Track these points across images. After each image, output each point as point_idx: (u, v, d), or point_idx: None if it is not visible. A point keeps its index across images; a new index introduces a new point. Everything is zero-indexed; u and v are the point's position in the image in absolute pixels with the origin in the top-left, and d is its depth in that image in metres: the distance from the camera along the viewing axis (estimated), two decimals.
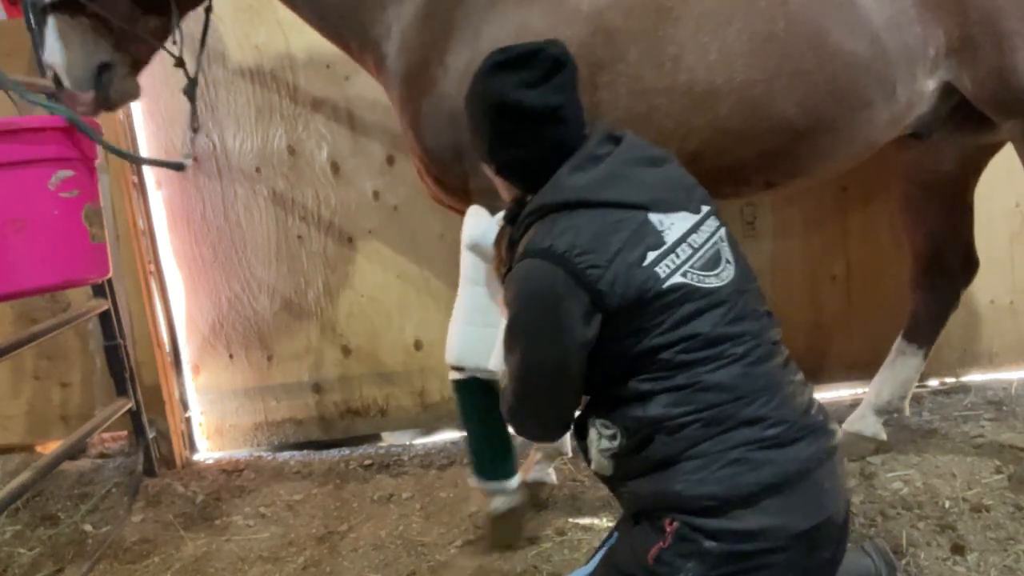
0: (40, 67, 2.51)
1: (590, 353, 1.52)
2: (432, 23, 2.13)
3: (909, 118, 2.27)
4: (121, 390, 3.08)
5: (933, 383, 3.39)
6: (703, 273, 1.54)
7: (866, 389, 3.35)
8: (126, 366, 3.07)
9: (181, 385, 3.40)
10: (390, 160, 3.24)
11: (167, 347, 3.33)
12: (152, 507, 2.95)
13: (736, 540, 1.46)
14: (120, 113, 3.14)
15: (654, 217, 1.54)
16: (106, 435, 3.44)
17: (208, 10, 2.41)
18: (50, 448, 3.26)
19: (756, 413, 1.49)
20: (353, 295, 3.35)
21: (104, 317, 3.00)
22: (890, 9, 2.10)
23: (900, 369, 2.78)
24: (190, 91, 2.54)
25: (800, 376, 1.64)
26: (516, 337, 1.58)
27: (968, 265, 2.72)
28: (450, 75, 2.10)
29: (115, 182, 3.10)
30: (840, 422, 3.04)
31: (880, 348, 2.97)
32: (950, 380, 3.38)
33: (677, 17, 2.10)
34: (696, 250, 1.55)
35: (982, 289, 3.29)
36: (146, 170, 3.27)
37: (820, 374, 3.40)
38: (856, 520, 2.34)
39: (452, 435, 3.38)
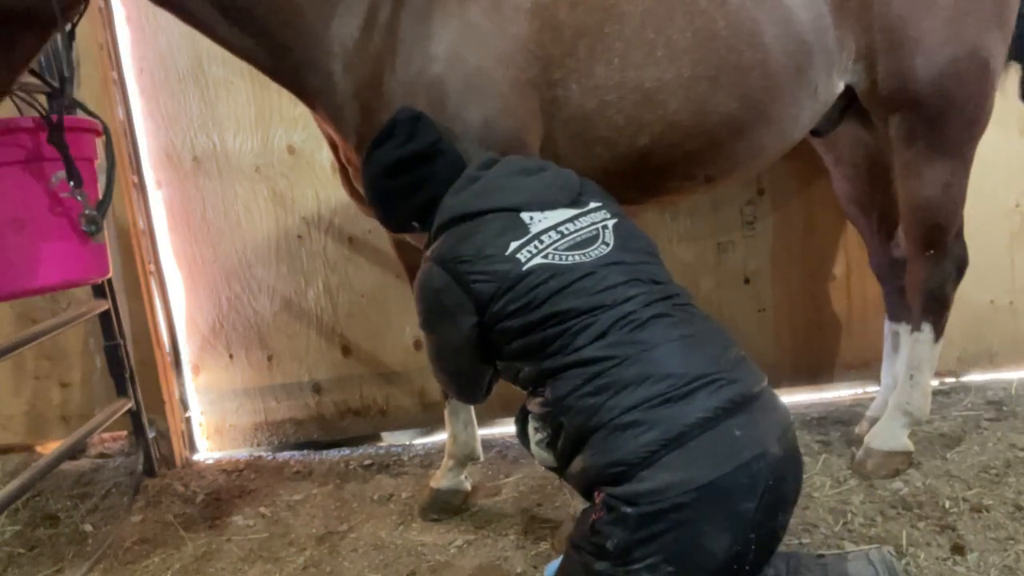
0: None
1: (491, 337, 1.76)
2: (380, 33, 2.02)
3: (822, 116, 2.43)
4: (121, 390, 3.08)
5: (933, 383, 3.39)
6: (567, 252, 1.72)
7: (867, 389, 3.37)
8: (126, 366, 3.07)
9: (181, 385, 3.40)
10: None
11: (167, 347, 3.34)
12: (152, 507, 2.95)
13: (645, 501, 1.49)
14: (120, 112, 3.15)
15: (526, 215, 1.79)
16: (106, 435, 3.44)
17: (71, 36, 2.02)
18: (50, 448, 3.26)
19: (638, 372, 1.57)
20: (353, 295, 3.35)
21: (104, 317, 3.00)
22: (813, 12, 2.24)
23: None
24: (57, 139, 2.06)
25: (703, 327, 1.69)
26: (423, 326, 1.91)
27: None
28: (403, 84, 2.02)
29: (115, 182, 3.09)
30: (841, 423, 3.05)
31: (880, 348, 2.97)
32: (950, 380, 3.38)
33: (622, 13, 2.12)
34: (565, 236, 1.75)
35: (982, 289, 3.29)
36: (146, 170, 3.27)
37: (820, 374, 3.40)
38: (856, 520, 2.34)
39: None
